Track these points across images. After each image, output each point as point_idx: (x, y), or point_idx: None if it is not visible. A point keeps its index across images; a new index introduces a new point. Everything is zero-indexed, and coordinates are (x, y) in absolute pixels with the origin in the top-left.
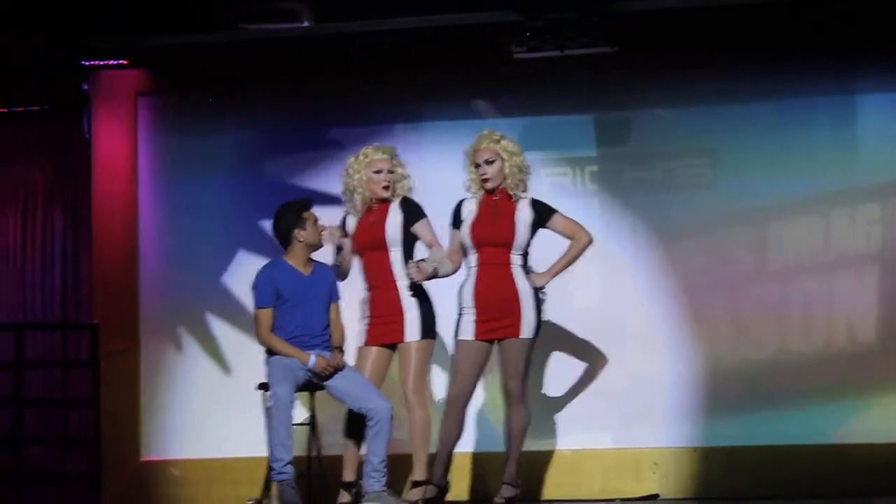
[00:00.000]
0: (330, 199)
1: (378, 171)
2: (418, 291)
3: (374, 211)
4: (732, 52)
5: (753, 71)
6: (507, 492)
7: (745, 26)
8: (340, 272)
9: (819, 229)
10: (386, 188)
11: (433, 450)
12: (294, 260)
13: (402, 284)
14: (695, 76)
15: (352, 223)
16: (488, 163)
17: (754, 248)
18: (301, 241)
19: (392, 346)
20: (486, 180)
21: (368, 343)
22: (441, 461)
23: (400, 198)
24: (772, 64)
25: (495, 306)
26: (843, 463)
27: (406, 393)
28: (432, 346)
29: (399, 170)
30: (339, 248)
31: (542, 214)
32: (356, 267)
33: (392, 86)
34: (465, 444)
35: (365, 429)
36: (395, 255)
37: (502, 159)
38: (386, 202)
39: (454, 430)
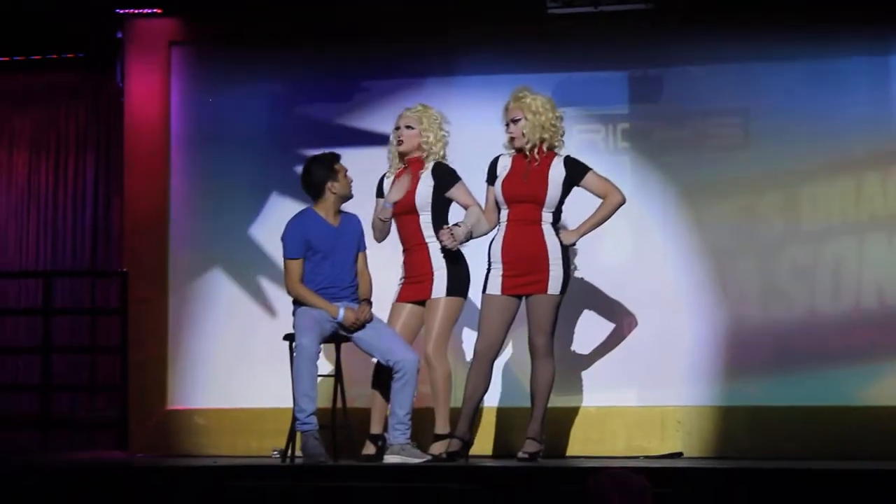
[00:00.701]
0: (361, 151)
1: (397, 128)
2: (450, 251)
3: (407, 173)
4: (767, 11)
5: (788, 30)
6: (530, 447)
7: None
8: (383, 229)
9: (851, 191)
10: (399, 142)
11: (455, 404)
12: (324, 211)
13: (433, 245)
14: (729, 34)
15: (388, 183)
16: (514, 121)
17: (785, 209)
18: (334, 193)
19: (422, 304)
20: (512, 139)
21: (399, 300)
22: (466, 415)
23: (433, 163)
24: (807, 23)
25: (523, 262)
26: (868, 425)
27: (426, 349)
28: (460, 305)
29: (422, 127)
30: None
31: (575, 172)
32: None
33: (424, 39)
34: (490, 399)
35: (390, 380)
36: (425, 218)
37: (525, 118)
38: (417, 164)
39: (480, 384)
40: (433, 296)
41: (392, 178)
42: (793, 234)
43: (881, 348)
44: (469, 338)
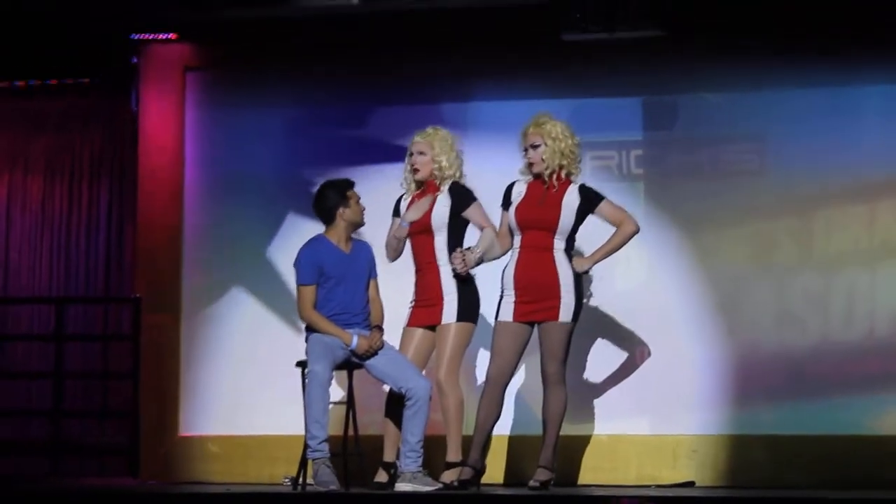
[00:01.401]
0: (375, 174)
1: (411, 154)
2: (461, 276)
3: (425, 194)
4: (783, 38)
5: (803, 57)
6: (542, 475)
7: (796, 12)
8: (397, 248)
9: (865, 218)
10: (415, 171)
11: (467, 431)
12: (336, 237)
13: (445, 268)
14: (744, 61)
15: (403, 204)
16: (534, 147)
17: (799, 236)
18: (345, 220)
19: (433, 328)
20: (531, 164)
21: (411, 324)
22: (478, 443)
23: (449, 183)
24: (822, 51)
25: (535, 289)
26: (882, 454)
27: (438, 376)
28: (471, 331)
29: (435, 152)
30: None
31: (590, 201)
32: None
33: (440, 65)
34: (502, 427)
35: (404, 408)
36: (440, 239)
37: (545, 144)
38: (433, 186)
39: (492, 411)
40: (444, 321)
41: (409, 199)
42: (807, 261)
43: (894, 377)
44: (482, 364)
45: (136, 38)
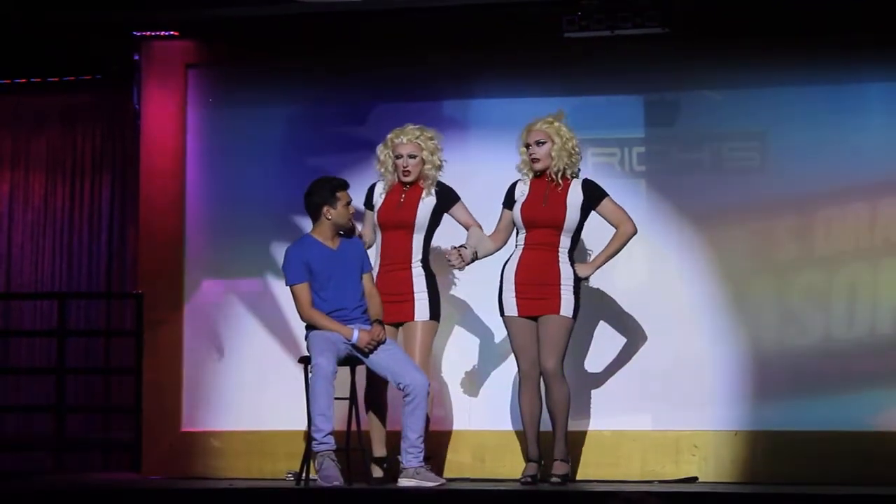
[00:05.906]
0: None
1: (399, 157)
2: (430, 274)
3: (406, 191)
4: (785, 36)
5: (806, 54)
6: (560, 468)
7: (798, 10)
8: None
9: (866, 216)
10: (406, 173)
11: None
12: (321, 236)
13: (418, 267)
14: (746, 58)
15: (378, 197)
16: (539, 143)
17: (801, 234)
18: (329, 219)
19: (397, 325)
20: (535, 161)
21: None
22: (532, 437)
23: (433, 182)
24: (825, 47)
25: (535, 286)
26: (885, 450)
27: None
28: (436, 329)
29: (424, 154)
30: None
31: (593, 197)
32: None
33: (442, 62)
34: (514, 423)
35: (383, 400)
36: (419, 238)
37: (553, 141)
38: (418, 186)
39: (535, 404)
40: (416, 318)
41: (384, 190)
42: (808, 259)
43: None
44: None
45: (138, 34)
